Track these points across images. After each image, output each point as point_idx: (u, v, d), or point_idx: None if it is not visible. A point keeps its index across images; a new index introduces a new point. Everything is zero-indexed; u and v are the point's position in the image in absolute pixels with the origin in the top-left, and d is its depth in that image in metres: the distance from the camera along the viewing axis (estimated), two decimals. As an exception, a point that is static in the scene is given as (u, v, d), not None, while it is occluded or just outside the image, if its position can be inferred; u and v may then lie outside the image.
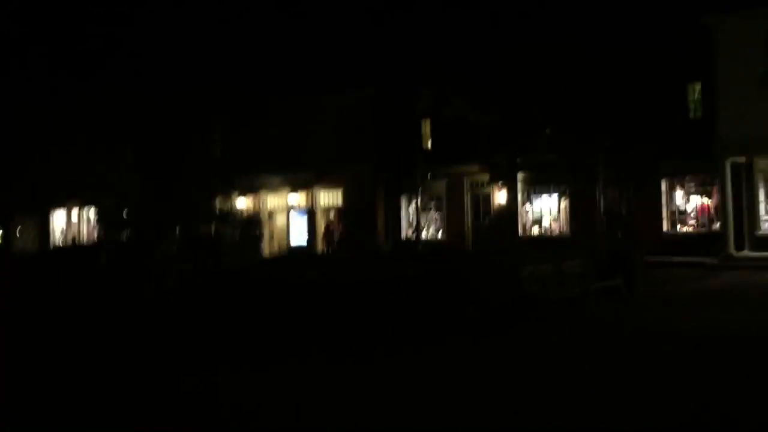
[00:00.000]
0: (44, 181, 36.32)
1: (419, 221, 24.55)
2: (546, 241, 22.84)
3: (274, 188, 30.52)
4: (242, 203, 30.61)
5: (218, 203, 29.54)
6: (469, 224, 25.65)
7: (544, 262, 12.60)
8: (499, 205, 24.72)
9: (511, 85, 23.35)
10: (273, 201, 30.93)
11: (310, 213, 29.37)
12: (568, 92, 21.89)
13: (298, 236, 29.66)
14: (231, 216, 28.25)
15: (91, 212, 35.02)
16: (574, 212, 22.96)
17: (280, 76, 29.87)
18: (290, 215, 29.92)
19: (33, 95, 34.10)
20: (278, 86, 29.64)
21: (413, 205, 27.11)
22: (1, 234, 40.54)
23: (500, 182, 24.36)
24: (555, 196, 23.56)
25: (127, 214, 28.10)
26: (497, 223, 24.54)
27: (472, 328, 10.47)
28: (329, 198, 29.27)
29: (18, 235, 39.62)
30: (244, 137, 30.88)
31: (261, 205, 30.82)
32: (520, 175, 23.97)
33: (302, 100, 29.05)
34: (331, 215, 29.48)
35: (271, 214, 30.87)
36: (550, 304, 11.33)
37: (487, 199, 25.28)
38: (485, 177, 25.12)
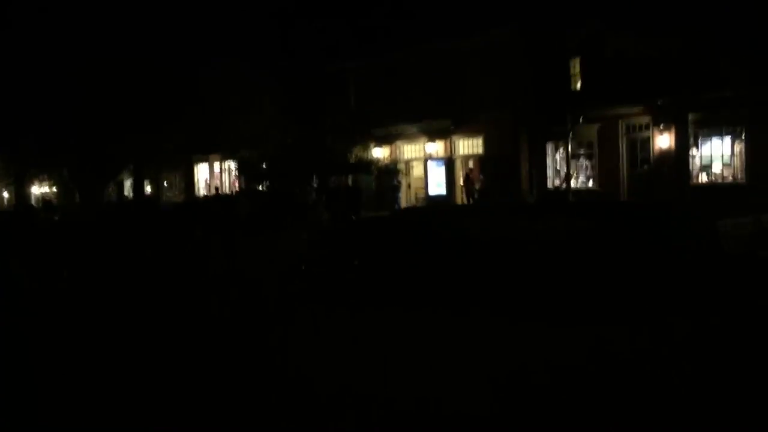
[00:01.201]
0: (188, 136, 37.42)
1: (569, 169, 22.61)
2: (720, 189, 20.24)
3: (410, 137, 29.52)
4: (378, 153, 29.85)
5: (355, 153, 28.88)
6: (625, 172, 23.37)
7: (740, 214, 10.51)
8: (660, 150, 22.26)
9: (678, 15, 20.70)
10: (410, 150, 29.97)
11: (449, 162, 28.12)
12: (744, 18, 19.08)
13: (436, 186, 28.56)
14: (371, 166, 27.53)
15: (232, 164, 35.74)
16: (751, 156, 20.16)
17: (415, 19, 28.45)
18: (427, 165, 28.82)
19: (169, 54, 34.76)
20: (413, 30, 28.30)
21: (561, 152, 25.16)
22: (150, 188, 42.62)
23: (662, 125, 21.90)
24: (727, 139, 20.80)
25: (266, 165, 28.11)
26: (658, 171, 22.15)
27: (682, 297, 8.53)
28: (468, 146, 27.86)
29: (166, 186, 41.51)
30: (380, 86, 29.97)
31: (397, 155, 29.95)
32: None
33: (438, 44, 27.55)
34: (470, 164, 28.10)
35: (407, 164, 29.93)
36: (758, 266, 9.33)
37: (646, 143, 22.85)
38: (644, 119, 22.72)
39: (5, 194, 51.48)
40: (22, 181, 43.69)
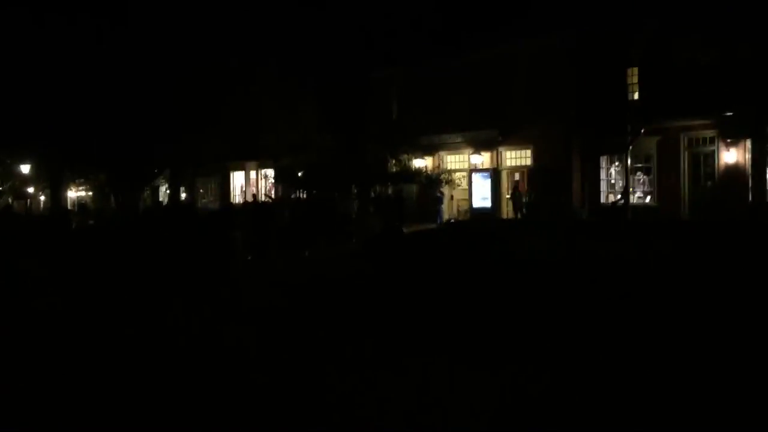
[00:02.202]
0: (226, 142, 36.83)
1: (628, 184, 21.31)
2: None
3: (455, 147, 28.48)
4: (421, 163, 28.82)
5: (396, 163, 27.91)
6: (686, 189, 22.02)
7: None
8: (726, 165, 20.90)
9: (747, 19, 19.40)
10: (453, 161, 28.91)
11: (494, 174, 26.97)
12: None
13: (481, 199, 27.40)
14: (418, 176, 26.48)
15: (269, 172, 35.00)
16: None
17: (462, 25, 27.48)
18: (472, 176, 27.70)
19: (208, 58, 34.25)
20: (461, 36, 27.34)
21: (616, 165, 23.90)
22: (185, 194, 42.13)
23: (729, 139, 20.56)
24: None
25: (305, 173, 27.26)
26: (723, 188, 20.78)
27: None
28: (516, 158, 26.71)
29: (201, 192, 40.98)
30: (424, 94, 29.02)
31: (440, 165, 28.89)
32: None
33: (485, 50, 26.52)
34: (517, 176, 26.94)
35: (450, 175, 28.82)
36: None
37: (710, 158, 21.50)
38: (709, 132, 21.38)
39: (42, 197, 51.52)
40: (58, 184, 43.57)
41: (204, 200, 41.12)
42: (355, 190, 26.81)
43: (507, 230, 14.15)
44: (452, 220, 27.05)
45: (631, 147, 20.86)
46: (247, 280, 13.35)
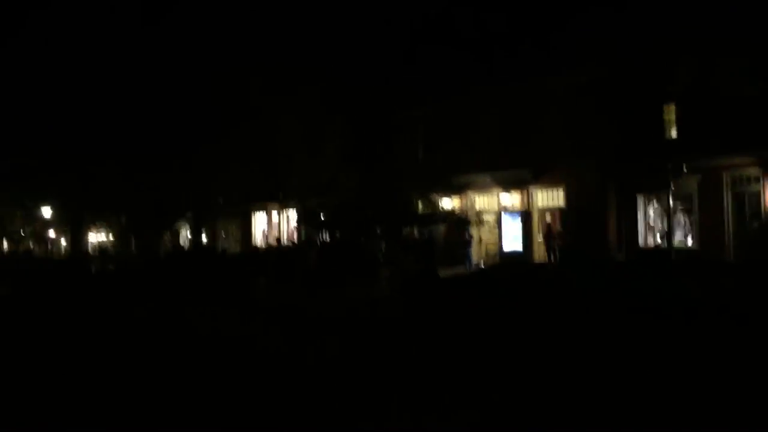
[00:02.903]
0: (245, 185, 36.45)
1: (671, 225, 20.30)
2: None
3: (483, 187, 27.67)
4: (448, 204, 28.05)
5: (423, 203, 27.18)
6: (730, 229, 20.95)
7: None
8: (774, 205, 19.87)
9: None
10: (482, 201, 28.07)
11: (525, 215, 26.10)
12: None
13: (512, 240, 26.49)
14: (449, 217, 25.65)
15: (291, 213, 34.40)
16: None
17: (490, 60, 26.89)
18: (502, 217, 26.83)
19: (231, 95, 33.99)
20: (488, 72, 26.77)
21: (654, 205, 22.94)
22: (206, 237, 41.64)
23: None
24: None
25: (329, 214, 26.57)
26: (772, 228, 19.72)
27: None
28: (548, 198, 25.83)
29: (223, 236, 40.45)
30: (450, 131, 28.41)
31: (469, 206, 28.05)
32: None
33: (514, 85, 25.91)
34: (548, 218, 26.07)
35: (479, 216, 27.96)
36: None
37: (756, 198, 20.47)
38: (753, 171, 20.40)
39: (63, 242, 51.30)
40: (78, 228, 43.34)
41: (225, 244, 40.54)
42: (380, 232, 26.01)
43: (549, 278, 13.22)
44: (482, 265, 26.18)
45: (672, 186, 19.88)
46: (275, 327, 12.52)
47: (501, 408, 6.41)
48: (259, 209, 38.42)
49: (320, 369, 8.30)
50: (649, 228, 23.18)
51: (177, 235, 43.68)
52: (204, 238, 41.39)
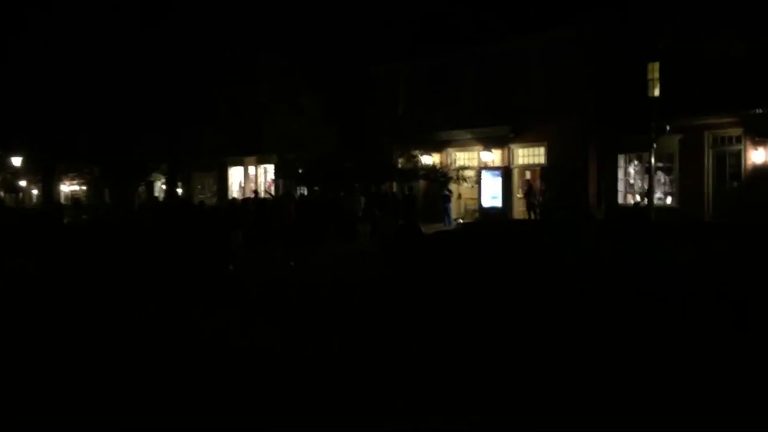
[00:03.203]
0: (224, 136, 35.78)
1: (652, 184, 20.29)
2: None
3: (463, 144, 27.43)
4: (429, 160, 27.75)
5: (405, 160, 26.85)
6: (710, 189, 21.03)
7: None
8: (754, 165, 19.92)
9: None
10: (462, 158, 27.84)
11: (506, 172, 25.94)
12: None
13: (491, 198, 26.38)
14: (425, 174, 25.39)
15: (268, 167, 33.90)
16: None
17: (471, 15, 26.36)
18: (482, 174, 26.65)
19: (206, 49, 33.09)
20: (472, 27, 26.26)
21: (635, 164, 22.92)
22: (182, 190, 41.00)
23: (757, 137, 19.59)
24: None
25: (308, 169, 26.13)
26: (751, 188, 19.80)
27: None
28: (528, 156, 25.68)
29: (199, 188, 39.85)
30: (432, 88, 27.95)
31: (448, 163, 27.80)
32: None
33: (497, 43, 25.45)
34: (528, 175, 25.97)
35: (459, 173, 27.71)
36: None
37: (736, 158, 20.51)
38: (735, 131, 20.39)
39: (35, 191, 50.18)
40: (50, 178, 42.38)
41: (201, 196, 39.92)
42: (360, 187, 25.71)
43: (534, 234, 13.09)
44: (460, 220, 26.09)
45: (655, 145, 19.81)
46: (256, 283, 12.30)
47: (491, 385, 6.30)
48: (236, 163, 37.83)
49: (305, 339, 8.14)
50: (629, 186, 23.19)
51: (152, 186, 42.93)
52: (180, 191, 40.78)
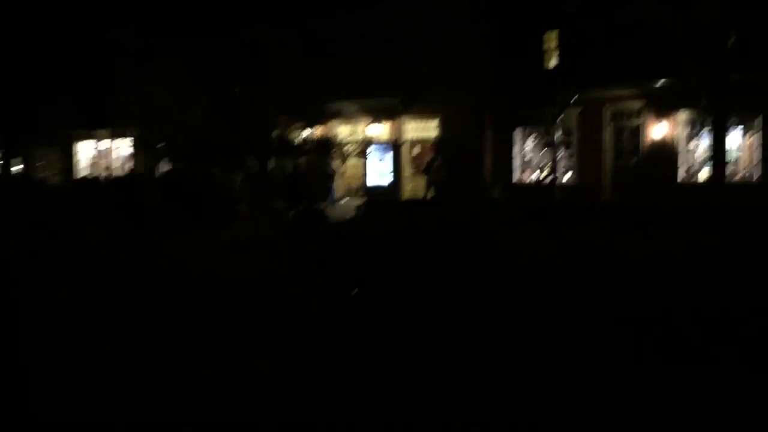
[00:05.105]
0: (67, 109, 31.29)
1: (556, 160, 19.04)
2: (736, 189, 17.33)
3: (348, 117, 25.13)
4: (309, 134, 25.18)
5: (283, 133, 24.11)
6: (609, 166, 20.20)
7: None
8: (652, 141, 19.23)
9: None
10: (346, 133, 25.54)
11: (395, 147, 24.01)
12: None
13: (378, 175, 24.40)
14: (317, 148, 22.79)
15: (125, 142, 29.85)
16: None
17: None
18: (368, 149, 24.54)
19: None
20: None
21: (531, 140, 21.74)
22: (21, 166, 35.70)
23: (659, 111, 18.86)
24: (739, 130, 17.95)
25: (174, 142, 22.76)
26: (650, 166, 19.11)
27: None
28: (420, 130, 23.85)
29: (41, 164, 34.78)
30: (312, 57, 25.32)
31: (332, 136, 25.37)
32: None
33: (384, 6, 23.32)
34: (416, 150, 24.22)
35: (342, 147, 25.42)
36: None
37: (635, 133, 19.76)
38: (636, 104, 19.59)
39: None
40: None
41: (42, 174, 34.85)
42: (235, 164, 22.72)
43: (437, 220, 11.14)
44: (343, 201, 24.01)
45: (560, 118, 18.53)
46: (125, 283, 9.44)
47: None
48: (84, 137, 33.15)
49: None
50: (525, 163, 22.00)
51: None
52: (18, 167, 35.49)
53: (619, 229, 11.33)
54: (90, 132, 32.04)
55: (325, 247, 9.16)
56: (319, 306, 7.39)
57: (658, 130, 19.03)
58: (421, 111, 23.31)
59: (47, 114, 32.46)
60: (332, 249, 9.00)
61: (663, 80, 18.30)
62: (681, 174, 18.77)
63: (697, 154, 18.67)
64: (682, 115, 18.61)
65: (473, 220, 10.26)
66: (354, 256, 8.57)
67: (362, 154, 24.57)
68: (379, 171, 24.45)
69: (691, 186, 18.36)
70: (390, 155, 23.97)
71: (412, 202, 17.08)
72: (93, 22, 28.34)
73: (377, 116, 24.02)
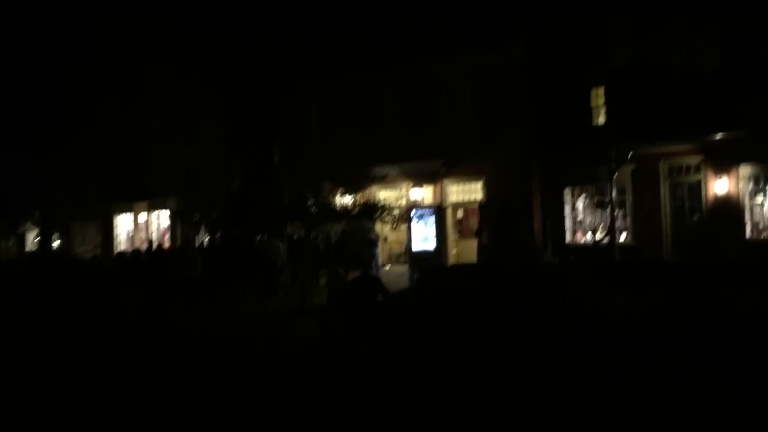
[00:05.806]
0: (106, 181, 31.45)
1: (613, 219, 18.04)
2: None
3: (389, 182, 24.52)
4: (348, 200, 24.60)
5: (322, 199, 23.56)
6: (668, 224, 19.16)
7: None
8: (715, 196, 18.21)
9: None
10: (387, 196, 24.87)
11: (438, 211, 23.27)
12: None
13: (422, 240, 23.59)
14: (366, 212, 22.11)
15: (163, 213, 29.62)
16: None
17: (392, 37, 23.77)
18: (411, 214, 23.84)
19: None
20: (391, 51, 23.66)
21: (583, 199, 20.87)
22: (59, 242, 35.69)
23: (717, 165, 17.93)
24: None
25: (212, 210, 22.34)
26: (715, 223, 18.03)
27: None
28: (463, 193, 23.12)
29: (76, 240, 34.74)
30: (350, 119, 25.02)
31: (372, 202, 24.70)
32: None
33: (425, 67, 22.96)
34: (459, 214, 23.51)
35: (391, 213, 24.67)
36: None
37: (694, 189, 18.78)
38: (693, 159, 18.69)
39: None
40: None
41: (81, 249, 34.79)
42: (275, 231, 22.12)
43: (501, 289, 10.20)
44: (386, 267, 23.23)
45: (616, 175, 17.62)
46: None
47: None
48: (123, 210, 33.06)
49: None
50: (577, 223, 21.05)
51: (22, 239, 37.34)
52: (57, 243, 35.45)
53: (719, 288, 10.30)
54: (129, 204, 31.94)
55: (380, 315, 8.30)
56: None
57: (719, 186, 18.04)
58: (465, 173, 22.66)
59: (86, 188, 32.66)
60: (402, 321, 8.13)
61: (722, 133, 17.43)
62: (748, 231, 17.64)
63: (766, 209, 17.58)
64: (745, 170, 17.63)
65: (560, 283, 9.38)
66: (442, 330, 7.67)
67: (405, 219, 23.85)
68: (422, 236, 23.65)
69: (763, 242, 17.23)
70: (433, 219, 23.16)
71: (471, 267, 16.13)
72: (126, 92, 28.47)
73: (419, 180, 23.43)
